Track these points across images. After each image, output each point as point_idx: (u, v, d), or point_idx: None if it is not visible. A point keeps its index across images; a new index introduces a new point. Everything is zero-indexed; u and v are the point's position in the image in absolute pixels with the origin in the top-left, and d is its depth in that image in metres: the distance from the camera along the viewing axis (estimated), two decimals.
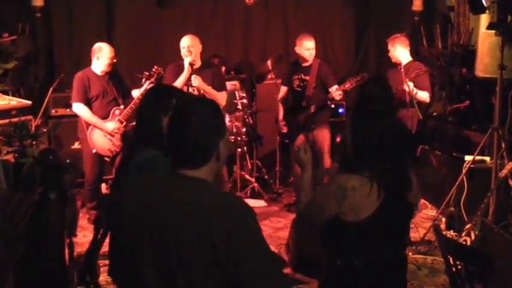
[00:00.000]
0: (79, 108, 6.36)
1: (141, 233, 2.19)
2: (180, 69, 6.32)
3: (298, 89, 7.00)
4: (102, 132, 6.35)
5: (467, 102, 7.77)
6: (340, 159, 3.05)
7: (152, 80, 6.15)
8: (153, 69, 6.18)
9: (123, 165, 3.43)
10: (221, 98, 6.34)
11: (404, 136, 2.99)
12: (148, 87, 6.02)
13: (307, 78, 6.92)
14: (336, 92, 6.63)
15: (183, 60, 6.33)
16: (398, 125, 2.99)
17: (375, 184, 2.88)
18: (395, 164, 2.94)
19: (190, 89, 6.26)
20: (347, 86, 6.51)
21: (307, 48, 6.90)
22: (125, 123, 6.37)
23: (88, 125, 6.37)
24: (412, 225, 5.96)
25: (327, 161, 6.86)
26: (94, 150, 6.37)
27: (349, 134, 3.03)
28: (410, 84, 6.18)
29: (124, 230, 2.30)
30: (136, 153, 3.19)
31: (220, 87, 6.49)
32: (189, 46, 6.31)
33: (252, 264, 2.08)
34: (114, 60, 6.42)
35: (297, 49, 7.00)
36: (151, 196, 2.23)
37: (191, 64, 6.21)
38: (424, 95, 6.41)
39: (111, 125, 6.34)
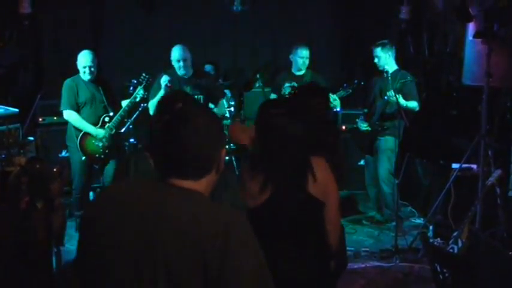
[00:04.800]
0: (70, 115, 6.35)
1: (122, 248, 1.89)
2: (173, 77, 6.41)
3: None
4: (93, 139, 6.34)
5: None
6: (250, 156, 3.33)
7: (142, 86, 6.21)
8: (141, 77, 6.21)
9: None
10: (221, 107, 6.73)
11: (299, 140, 3.17)
12: (141, 92, 6.24)
13: None
14: (334, 101, 6.70)
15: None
16: (293, 133, 3.17)
17: (265, 177, 3.15)
18: (286, 165, 3.16)
19: None
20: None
21: (301, 56, 6.95)
22: (114, 130, 6.37)
23: (77, 132, 6.36)
24: (399, 234, 5.99)
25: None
26: (83, 158, 6.35)
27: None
28: (399, 96, 6.17)
29: (100, 245, 1.95)
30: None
31: (220, 94, 6.88)
32: (184, 59, 6.46)
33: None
34: (92, 69, 6.37)
35: (291, 56, 7.03)
36: (137, 208, 1.92)
37: (167, 86, 6.28)
38: (412, 105, 6.43)
39: (101, 131, 6.34)
